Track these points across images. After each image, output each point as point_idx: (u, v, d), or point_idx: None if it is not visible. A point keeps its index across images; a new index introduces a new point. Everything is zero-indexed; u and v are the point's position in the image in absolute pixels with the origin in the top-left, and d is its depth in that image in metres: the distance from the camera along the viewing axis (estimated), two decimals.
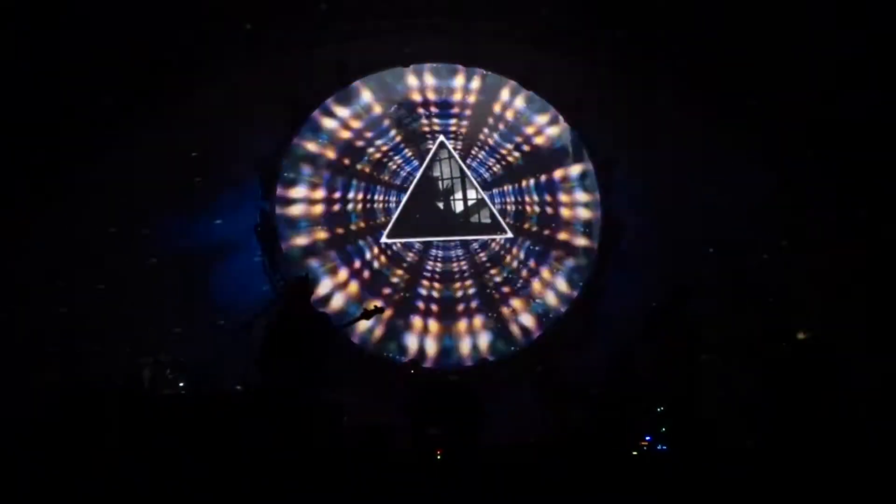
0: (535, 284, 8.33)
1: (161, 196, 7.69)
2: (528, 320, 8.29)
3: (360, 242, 8.26)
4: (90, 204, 7.57)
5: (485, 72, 8.42)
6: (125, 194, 7.63)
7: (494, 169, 8.48)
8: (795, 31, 7.18)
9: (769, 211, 7.90)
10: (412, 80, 8.42)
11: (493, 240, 8.39)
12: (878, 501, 4.74)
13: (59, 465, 5.47)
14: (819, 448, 5.65)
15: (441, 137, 8.41)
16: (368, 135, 8.34)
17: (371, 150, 8.33)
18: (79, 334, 7.15)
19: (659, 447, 6.33)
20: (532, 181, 8.48)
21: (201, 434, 5.79)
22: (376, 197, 8.30)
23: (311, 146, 8.24)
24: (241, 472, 5.35)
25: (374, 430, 6.39)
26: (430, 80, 8.47)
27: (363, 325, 7.63)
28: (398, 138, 8.37)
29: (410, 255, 8.32)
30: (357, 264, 8.21)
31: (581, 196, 8.47)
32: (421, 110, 8.41)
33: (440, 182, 8.40)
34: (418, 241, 8.32)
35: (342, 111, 8.32)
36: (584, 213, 8.45)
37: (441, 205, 8.39)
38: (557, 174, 8.51)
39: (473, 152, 8.46)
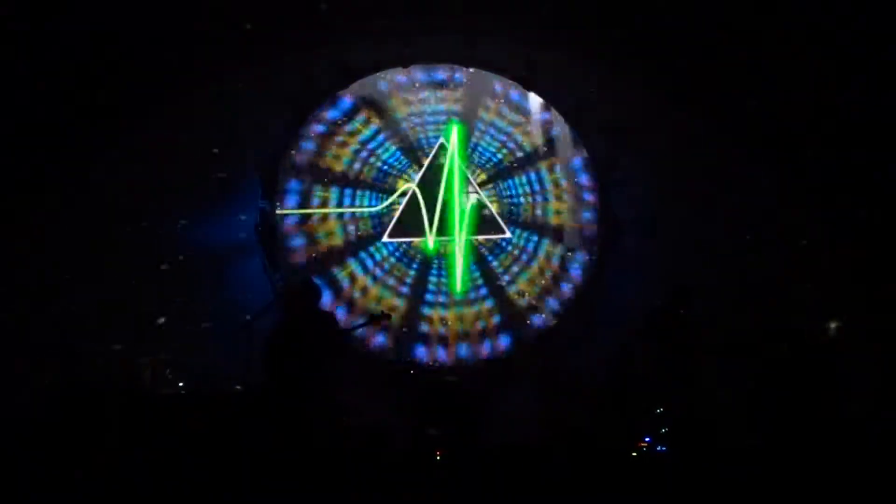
0: (544, 278, 8.34)
1: (161, 196, 7.68)
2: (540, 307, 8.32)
3: (370, 248, 8.32)
4: (90, 204, 7.58)
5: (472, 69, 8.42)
6: (125, 194, 7.63)
7: (490, 165, 8.47)
8: (795, 31, 7.18)
9: (769, 211, 7.89)
10: (398, 83, 8.43)
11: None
12: (878, 501, 4.74)
13: (59, 465, 5.47)
14: (819, 448, 5.64)
15: (441, 139, 8.40)
16: (361, 141, 8.37)
17: (366, 156, 8.35)
18: (79, 334, 7.14)
19: (658, 448, 6.34)
20: (530, 172, 8.48)
21: (201, 434, 5.79)
22: (375, 203, 8.32)
23: (305, 157, 8.27)
24: (241, 472, 5.35)
25: (374, 430, 6.40)
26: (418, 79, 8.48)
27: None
28: (393, 144, 8.37)
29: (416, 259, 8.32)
30: (370, 269, 8.27)
31: (581, 184, 8.49)
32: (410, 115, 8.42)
33: (440, 182, 8.40)
34: (420, 240, 8.32)
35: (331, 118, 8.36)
36: (584, 202, 8.47)
37: (441, 205, 8.39)
38: (555, 163, 8.51)
39: (469, 149, 8.45)
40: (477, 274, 8.38)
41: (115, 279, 7.45)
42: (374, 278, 8.28)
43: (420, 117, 8.45)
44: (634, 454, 6.26)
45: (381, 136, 8.39)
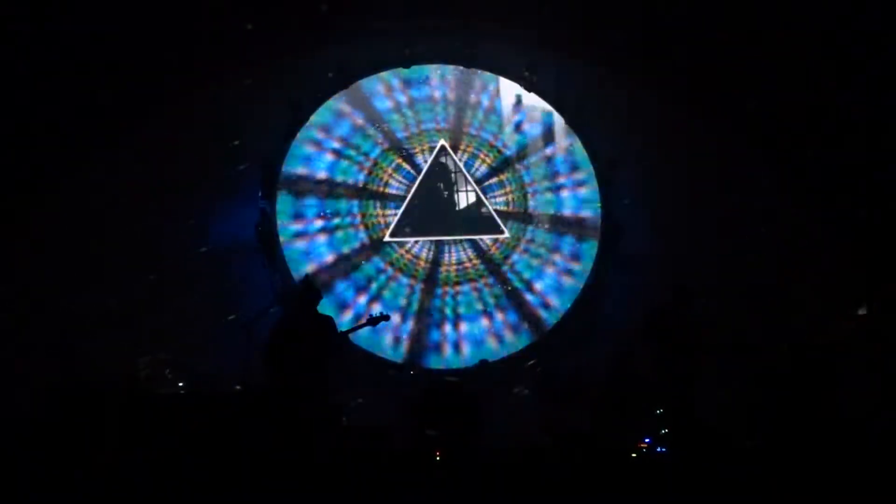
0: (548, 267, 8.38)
1: (161, 196, 7.68)
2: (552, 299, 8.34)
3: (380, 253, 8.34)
4: (90, 204, 7.58)
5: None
6: (125, 194, 7.63)
7: (486, 162, 8.48)
8: (796, 31, 7.18)
9: (769, 211, 7.90)
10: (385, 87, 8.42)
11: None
12: (878, 501, 4.74)
13: (59, 465, 5.47)
14: (819, 448, 5.64)
15: (442, 141, 8.41)
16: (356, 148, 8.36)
17: (361, 162, 8.35)
18: (79, 334, 7.14)
19: (658, 449, 6.34)
20: (525, 166, 8.49)
21: (201, 434, 5.79)
22: (375, 210, 8.33)
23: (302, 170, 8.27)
24: (241, 472, 5.35)
25: (374, 430, 6.40)
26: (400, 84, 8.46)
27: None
28: (387, 150, 8.38)
29: (423, 261, 8.33)
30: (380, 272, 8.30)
31: (576, 174, 8.48)
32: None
33: (440, 183, 8.41)
34: (420, 240, 8.32)
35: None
36: (582, 191, 8.46)
37: (441, 205, 8.40)
38: (549, 153, 8.51)
39: (462, 147, 8.45)
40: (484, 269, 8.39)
41: (115, 279, 7.45)
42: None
43: (414, 120, 8.45)
44: (634, 455, 6.26)
45: (376, 143, 8.38)
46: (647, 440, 6.40)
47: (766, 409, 6.38)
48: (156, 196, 7.67)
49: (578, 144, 8.40)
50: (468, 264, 8.37)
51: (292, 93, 8.09)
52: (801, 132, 7.70)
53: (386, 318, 6.32)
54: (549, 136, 8.49)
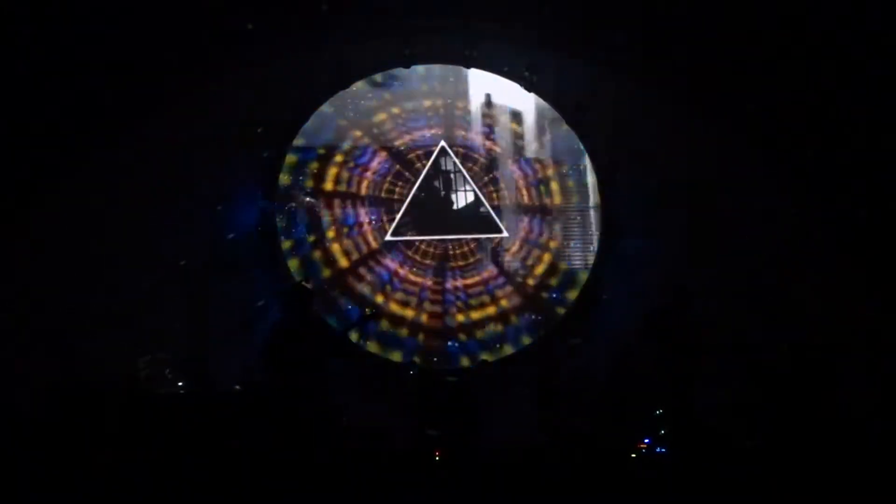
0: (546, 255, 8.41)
1: (161, 196, 7.67)
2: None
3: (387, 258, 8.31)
4: (90, 203, 7.58)
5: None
6: (125, 194, 7.63)
7: (482, 159, 8.49)
8: (796, 31, 7.18)
9: (769, 211, 7.90)
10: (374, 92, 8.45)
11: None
12: (878, 501, 4.74)
13: (59, 465, 5.47)
14: (819, 448, 5.65)
15: (442, 142, 8.43)
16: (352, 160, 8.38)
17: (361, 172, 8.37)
18: (79, 334, 7.14)
19: (658, 450, 6.34)
20: (520, 159, 8.53)
21: (201, 434, 5.79)
22: (374, 217, 8.33)
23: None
24: (241, 472, 5.35)
25: (374, 430, 6.40)
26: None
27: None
28: (382, 156, 8.38)
29: (429, 260, 8.34)
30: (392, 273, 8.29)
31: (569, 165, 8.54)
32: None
33: (440, 183, 8.42)
34: (421, 238, 8.33)
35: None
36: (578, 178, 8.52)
37: (441, 205, 8.41)
38: (542, 143, 8.56)
39: (455, 148, 8.47)
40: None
41: (115, 279, 7.45)
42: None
43: (408, 124, 8.46)
44: (634, 455, 6.26)
45: (371, 150, 8.39)
46: (646, 440, 6.40)
47: (766, 409, 6.38)
48: (156, 196, 7.66)
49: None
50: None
51: (292, 92, 8.10)
52: (801, 132, 7.70)
53: (377, 315, 6.32)
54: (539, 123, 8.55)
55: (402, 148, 8.42)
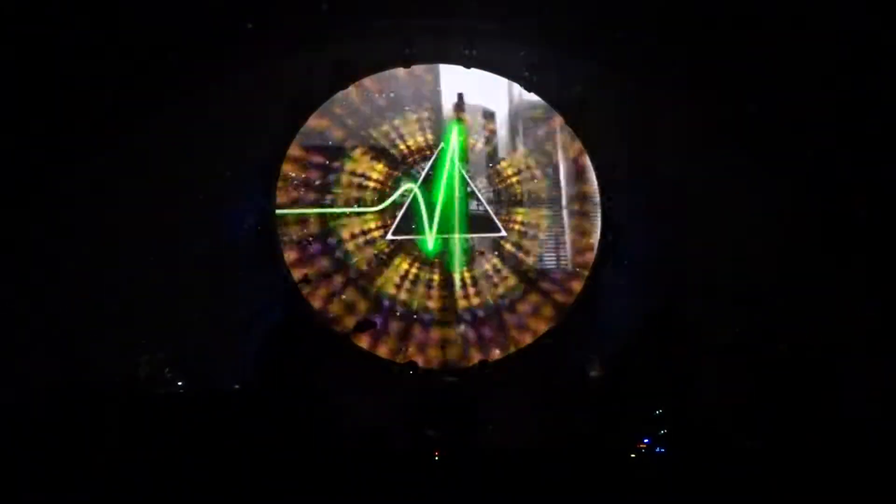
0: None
1: (161, 196, 7.68)
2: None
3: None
4: (90, 203, 7.58)
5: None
6: (125, 194, 7.63)
7: (481, 159, 8.52)
8: (796, 31, 7.18)
9: (769, 211, 7.89)
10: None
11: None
12: (878, 501, 4.74)
13: (59, 465, 5.47)
14: (819, 448, 5.64)
15: (442, 144, 8.43)
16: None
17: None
18: (79, 334, 7.14)
19: (657, 450, 6.33)
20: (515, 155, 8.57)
21: (201, 434, 5.79)
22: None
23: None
24: (241, 472, 5.35)
25: (374, 430, 6.40)
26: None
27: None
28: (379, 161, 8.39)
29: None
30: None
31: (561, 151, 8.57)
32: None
33: (439, 183, 8.43)
34: (421, 238, 8.34)
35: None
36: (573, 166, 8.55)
37: (440, 205, 8.42)
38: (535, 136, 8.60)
39: (454, 149, 8.49)
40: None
41: (115, 279, 7.45)
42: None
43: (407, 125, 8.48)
44: (633, 455, 6.26)
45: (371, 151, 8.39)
46: (646, 440, 6.40)
47: (766, 409, 6.38)
48: (156, 196, 7.66)
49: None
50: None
51: (292, 92, 8.10)
52: (801, 132, 7.70)
53: (373, 324, 6.33)
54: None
55: (402, 148, 8.42)
